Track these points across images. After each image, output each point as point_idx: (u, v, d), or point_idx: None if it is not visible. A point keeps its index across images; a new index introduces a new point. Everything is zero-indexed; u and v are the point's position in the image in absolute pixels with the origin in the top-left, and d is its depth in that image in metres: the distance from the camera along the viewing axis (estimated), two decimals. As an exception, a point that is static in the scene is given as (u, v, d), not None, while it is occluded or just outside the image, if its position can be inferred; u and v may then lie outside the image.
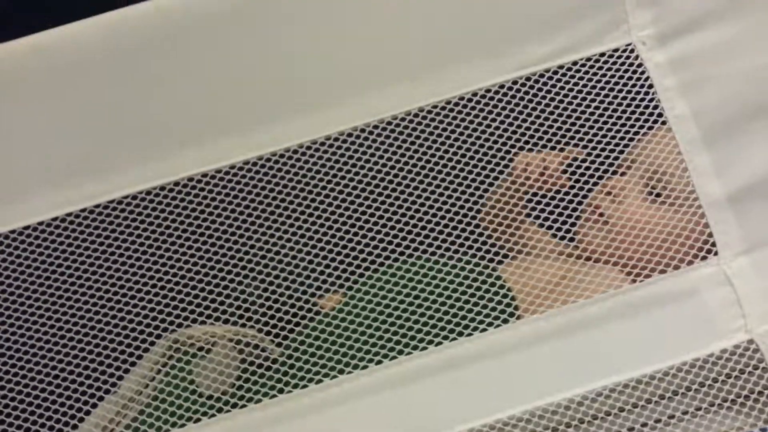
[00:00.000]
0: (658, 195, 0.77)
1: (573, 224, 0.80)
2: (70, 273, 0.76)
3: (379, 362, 0.68)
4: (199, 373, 0.73)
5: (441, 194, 0.77)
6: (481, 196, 0.76)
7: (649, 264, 0.71)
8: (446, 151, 0.79)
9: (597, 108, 0.76)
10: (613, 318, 0.67)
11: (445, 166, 0.78)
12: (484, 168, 0.76)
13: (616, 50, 0.77)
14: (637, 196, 0.79)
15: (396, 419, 0.66)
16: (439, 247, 0.74)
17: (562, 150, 0.80)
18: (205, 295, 0.75)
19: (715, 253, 0.69)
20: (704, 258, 0.69)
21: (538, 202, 0.76)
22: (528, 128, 0.77)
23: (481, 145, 0.77)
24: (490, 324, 0.69)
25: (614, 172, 0.80)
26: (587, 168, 0.75)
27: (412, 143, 0.78)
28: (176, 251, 0.77)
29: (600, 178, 0.78)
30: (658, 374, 0.66)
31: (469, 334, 0.68)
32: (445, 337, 0.69)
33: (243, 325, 0.76)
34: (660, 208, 0.76)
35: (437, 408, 0.66)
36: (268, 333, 0.74)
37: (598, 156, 0.75)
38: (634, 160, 0.79)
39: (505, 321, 0.70)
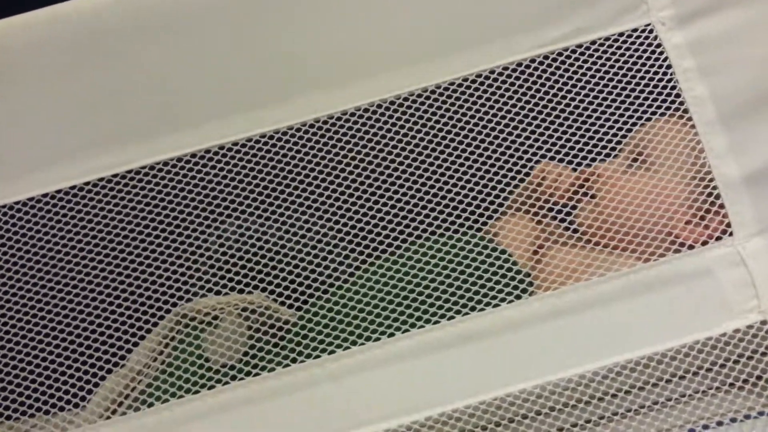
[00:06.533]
0: (640, 166, 0.79)
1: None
2: (83, 244, 0.77)
3: (391, 335, 0.69)
4: (208, 346, 0.73)
5: (456, 170, 0.77)
6: (496, 173, 0.76)
7: (642, 231, 0.72)
8: (462, 128, 0.79)
9: (615, 88, 0.76)
10: (626, 296, 0.67)
11: (460, 143, 0.78)
12: (499, 146, 0.76)
13: (635, 30, 0.77)
14: (623, 172, 0.80)
15: (408, 391, 0.66)
16: (453, 223, 0.75)
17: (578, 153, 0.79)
18: (221, 264, 0.75)
19: (730, 234, 0.69)
20: (699, 226, 0.71)
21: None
22: (545, 107, 0.77)
23: (497, 123, 0.77)
24: (503, 299, 0.69)
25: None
26: (604, 147, 0.75)
27: (428, 120, 0.78)
28: (192, 221, 0.77)
29: (616, 156, 0.79)
30: (670, 353, 0.66)
31: (482, 310, 0.69)
32: (458, 312, 0.69)
33: (250, 293, 0.76)
34: (644, 175, 0.77)
35: (449, 381, 0.66)
36: (279, 295, 0.74)
37: (614, 135, 0.75)
38: (623, 149, 0.80)
39: (519, 297, 0.70)
